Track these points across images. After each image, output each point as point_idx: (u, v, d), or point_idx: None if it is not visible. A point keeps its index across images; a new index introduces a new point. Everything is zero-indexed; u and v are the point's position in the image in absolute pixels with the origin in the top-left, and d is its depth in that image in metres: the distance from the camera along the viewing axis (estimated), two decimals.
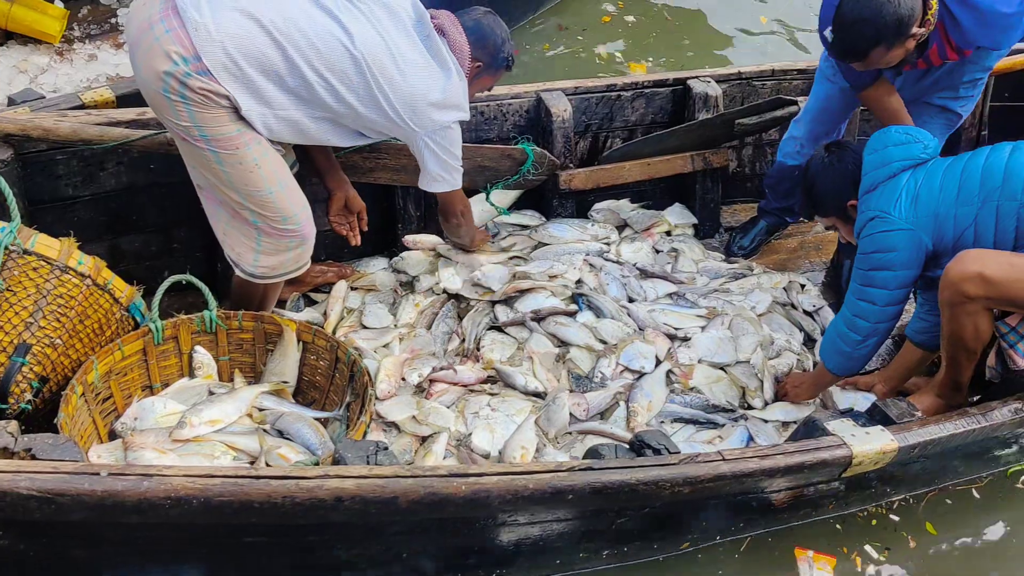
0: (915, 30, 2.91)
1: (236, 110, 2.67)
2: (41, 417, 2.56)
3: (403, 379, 3.13)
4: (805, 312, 3.70)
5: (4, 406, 2.49)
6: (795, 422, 3.13)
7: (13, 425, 2.16)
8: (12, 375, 2.49)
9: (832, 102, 3.59)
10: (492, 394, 3.14)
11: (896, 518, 2.98)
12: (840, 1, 2.90)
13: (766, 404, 3.25)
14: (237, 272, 2.92)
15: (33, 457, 2.10)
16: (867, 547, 2.88)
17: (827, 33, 2.99)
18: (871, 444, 2.54)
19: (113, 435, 2.72)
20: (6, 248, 2.53)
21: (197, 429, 2.60)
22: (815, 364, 3.43)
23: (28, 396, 2.52)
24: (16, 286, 2.54)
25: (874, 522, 2.96)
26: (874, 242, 2.85)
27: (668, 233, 4.04)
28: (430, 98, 2.85)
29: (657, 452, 2.43)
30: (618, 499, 2.38)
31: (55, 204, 3.20)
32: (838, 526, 2.92)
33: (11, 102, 3.20)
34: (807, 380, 3.23)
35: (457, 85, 2.92)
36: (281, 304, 3.41)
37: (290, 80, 2.67)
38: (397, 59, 2.77)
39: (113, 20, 5.10)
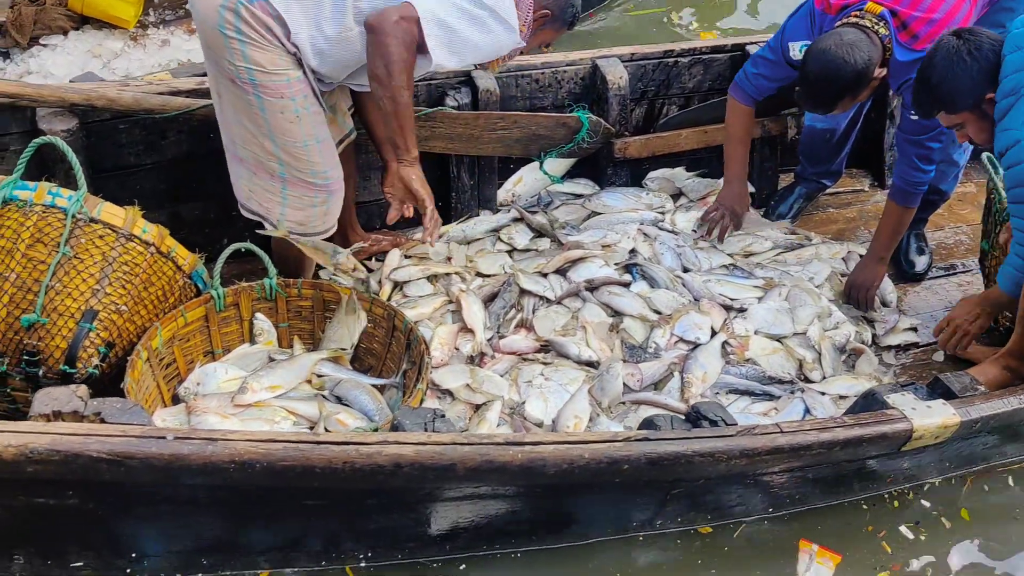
0: (877, 72, 3.09)
1: (288, 51, 2.68)
2: (108, 381, 2.63)
3: (456, 348, 3.16)
4: None
5: (73, 371, 2.55)
6: (854, 396, 3.09)
7: (83, 389, 2.23)
8: (80, 340, 2.55)
9: None
10: (545, 363, 3.15)
11: (927, 503, 2.90)
12: (804, 61, 3.12)
13: (824, 377, 3.21)
14: (266, 226, 2.94)
15: (102, 421, 2.16)
16: (902, 527, 2.81)
17: (796, 90, 3.23)
18: (932, 418, 2.51)
19: (176, 399, 2.78)
20: (73, 216, 2.58)
21: (259, 394, 2.65)
22: (873, 336, 3.39)
23: (95, 361, 2.58)
24: (83, 253, 2.59)
25: (895, 504, 2.89)
26: None
27: None
28: None
29: (714, 424, 2.42)
30: (674, 470, 2.39)
31: (118, 172, 3.26)
32: (864, 506, 2.86)
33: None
34: (981, 310, 3.06)
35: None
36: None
37: None
38: None
39: (187, 6, 5.13)
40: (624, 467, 2.31)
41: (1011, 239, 2.87)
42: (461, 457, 2.21)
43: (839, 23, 3.17)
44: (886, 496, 2.89)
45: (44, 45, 4.61)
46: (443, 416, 2.34)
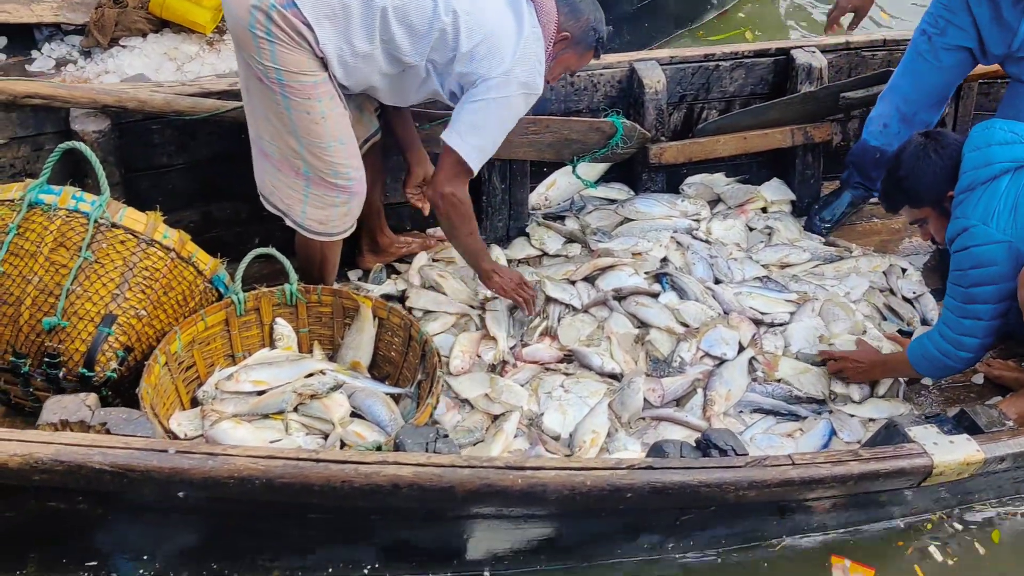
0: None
1: (316, 54, 2.70)
2: (127, 384, 2.67)
3: (478, 356, 3.14)
4: (904, 299, 3.52)
5: (91, 374, 2.60)
6: (885, 419, 2.99)
7: (92, 398, 2.27)
8: (99, 344, 2.60)
9: (924, 80, 3.38)
10: (567, 374, 3.12)
11: (959, 526, 2.82)
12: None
13: (864, 399, 3.11)
14: (288, 223, 2.95)
15: (108, 431, 2.19)
16: (931, 547, 2.74)
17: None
18: (954, 454, 2.42)
19: (196, 402, 2.82)
20: (95, 221, 2.62)
21: (242, 385, 2.72)
22: None
23: (113, 365, 2.62)
24: (104, 258, 2.63)
25: (928, 526, 2.82)
26: (971, 257, 2.70)
27: (764, 210, 3.90)
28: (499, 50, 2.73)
29: (723, 453, 2.37)
30: (680, 500, 2.34)
31: (150, 172, 3.30)
32: (900, 522, 2.80)
33: None
34: (872, 365, 3.07)
35: (531, 47, 2.78)
36: (365, 274, 3.47)
37: (367, 14, 2.67)
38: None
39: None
40: (628, 495, 2.27)
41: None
42: (460, 480, 2.20)
43: None
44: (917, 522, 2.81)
45: (123, 46, 4.74)
46: (446, 436, 2.32)
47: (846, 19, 3.53)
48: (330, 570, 2.53)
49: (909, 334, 3.34)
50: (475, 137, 2.81)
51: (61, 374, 2.61)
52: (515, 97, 2.79)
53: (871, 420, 3.04)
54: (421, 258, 3.48)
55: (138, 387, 2.55)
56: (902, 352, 3.00)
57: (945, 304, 2.85)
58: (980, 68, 3.60)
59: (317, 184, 2.87)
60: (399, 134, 3.19)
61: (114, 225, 2.66)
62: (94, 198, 2.67)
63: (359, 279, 3.46)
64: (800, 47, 3.76)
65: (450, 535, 2.49)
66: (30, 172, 3.10)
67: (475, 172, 2.88)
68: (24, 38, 4.76)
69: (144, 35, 4.77)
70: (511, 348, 3.19)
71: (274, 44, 2.67)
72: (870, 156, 3.62)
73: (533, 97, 2.85)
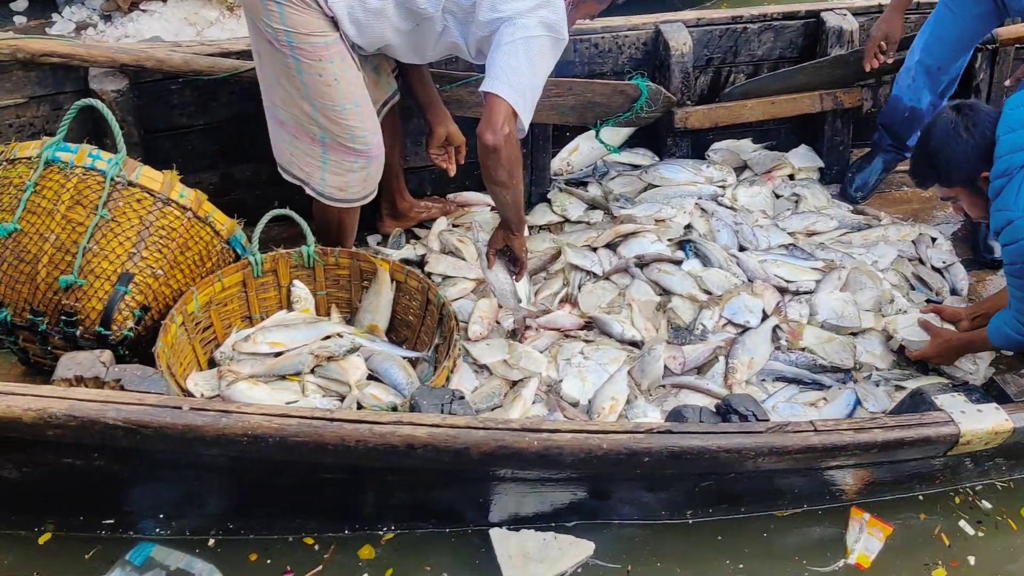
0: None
1: (326, 14, 2.65)
2: (144, 343, 2.66)
3: (497, 322, 3.10)
4: (934, 268, 3.45)
5: (108, 332, 2.59)
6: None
7: (107, 355, 2.26)
8: (115, 303, 2.59)
9: (947, 31, 3.31)
10: (587, 341, 3.08)
11: (988, 504, 2.74)
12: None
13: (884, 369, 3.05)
14: (307, 191, 2.92)
15: (122, 388, 2.18)
16: (961, 522, 2.67)
17: None
18: (982, 423, 2.36)
19: (213, 363, 2.81)
20: (111, 179, 2.61)
21: (259, 346, 2.71)
22: None
23: (130, 324, 2.61)
24: (120, 217, 2.62)
25: (958, 499, 2.75)
26: (1022, 251, 2.58)
27: (791, 177, 3.82)
28: None
29: (744, 418, 2.32)
30: (698, 465, 2.30)
31: (170, 133, 3.29)
32: (920, 496, 2.74)
33: None
34: (955, 346, 2.98)
35: None
36: (384, 239, 3.44)
37: None
38: None
39: None
40: (645, 459, 2.24)
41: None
42: (475, 442, 2.17)
43: None
44: (946, 492, 2.76)
45: (143, 11, 4.75)
46: (462, 398, 2.29)
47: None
48: (345, 532, 2.52)
49: (938, 303, 3.27)
50: (513, 77, 2.63)
51: (78, 332, 2.60)
52: (543, 38, 2.65)
53: (897, 388, 2.96)
54: (441, 223, 3.45)
55: (154, 346, 2.54)
56: (982, 332, 2.87)
57: (1011, 295, 2.72)
58: (1016, 30, 3.51)
59: (334, 149, 2.83)
60: (418, 94, 3.14)
61: (130, 183, 2.64)
62: (111, 156, 2.65)
63: (378, 244, 3.43)
64: (831, 9, 3.67)
65: (464, 499, 2.47)
66: (49, 131, 3.08)
67: (522, 115, 2.66)
68: (44, 1, 4.76)
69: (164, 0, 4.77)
70: (529, 314, 3.14)
71: (283, 6, 2.62)
72: (900, 114, 3.54)
73: (560, 44, 2.71)
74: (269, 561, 2.46)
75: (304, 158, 2.87)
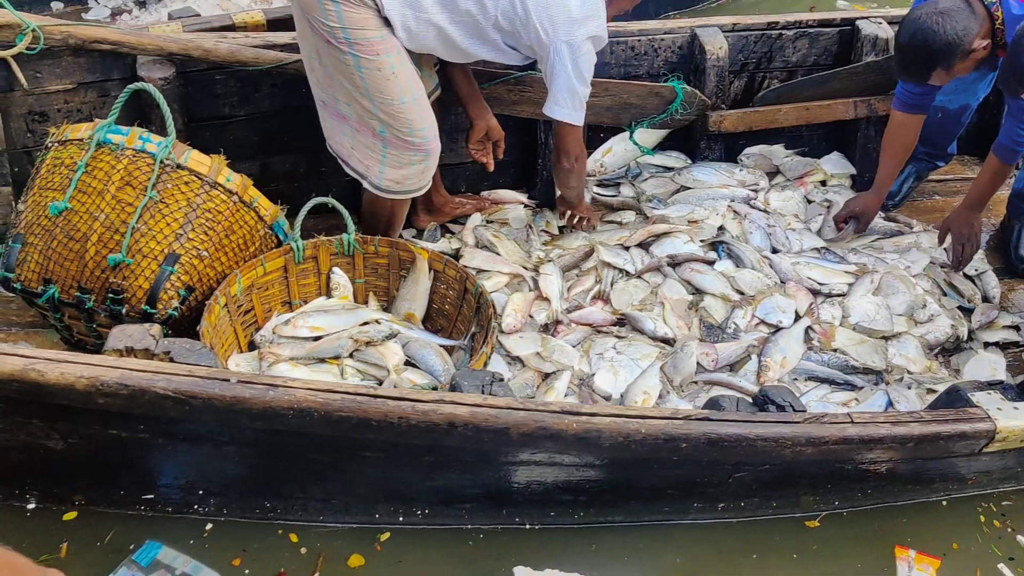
0: (976, 44, 2.98)
1: (380, 12, 2.72)
2: (187, 323, 2.71)
3: (530, 316, 3.13)
4: (966, 276, 3.46)
5: (153, 311, 2.64)
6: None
7: (156, 328, 2.30)
8: (162, 282, 2.63)
9: None
10: (620, 337, 3.10)
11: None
12: (898, 30, 3.09)
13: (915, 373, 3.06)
14: (364, 185, 2.98)
15: (171, 360, 2.22)
16: (1001, 565, 2.59)
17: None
18: (1019, 420, 2.36)
19: (253, 346, 2.85)
20: (161, 162, 2.66)
21: (299, 330, 2.77)
22: (969, 332, 3.22)
23: (175, 303, 2.66)
24: (168, 198, 2.67)
25: (996, 523, 2.71)
26: None
27: (823, 183, 3.85)
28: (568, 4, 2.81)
29: (781, 409, 2.34)
30: (735, 453, 2.32)
31: (213, 122, 3.34)
32: (945, 503, 2.72)
33: (170, 17, 3.35)
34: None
35: None
36: (419, 233, 3.48)
37: None
38: None
39: None
40: (683, 446, 2.26)
41: None
42: (516, 422, 2.20)
43: None
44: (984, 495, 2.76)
45: None
46: (501, 380, 2.32)
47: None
48: (377, 516, 2.54)
49: (969, 311, 3.28)
50: (574, 100, 2.95)
51: (124, 310, 2.65)
52: (590, 54, 2.90)
53: (929, 391, 2.97)
54: (475, 218, 3.49)
55: (199, 325, 2.59)
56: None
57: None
58: None
59: (393, 144, 2.89)
60: (460, 88, 3.20)
61: (179, 166, 2.69)
62: (160, 139, 2.70)
63: (413, 237, 3.47)
64: (866, 17, 3.70)
65: (501, 482, 2.49)
66: (97, 117, 3.14)
67: (582, 120, 3.03)
68: None
69: None
70: (564, 310, 3.18)
71: (339, 4, 2.68)
72: (932, 115, 3.55)
73: (602, 41, 2.94)
74: (304, 551, 2.46)
75: (364, 150, 2.92)
